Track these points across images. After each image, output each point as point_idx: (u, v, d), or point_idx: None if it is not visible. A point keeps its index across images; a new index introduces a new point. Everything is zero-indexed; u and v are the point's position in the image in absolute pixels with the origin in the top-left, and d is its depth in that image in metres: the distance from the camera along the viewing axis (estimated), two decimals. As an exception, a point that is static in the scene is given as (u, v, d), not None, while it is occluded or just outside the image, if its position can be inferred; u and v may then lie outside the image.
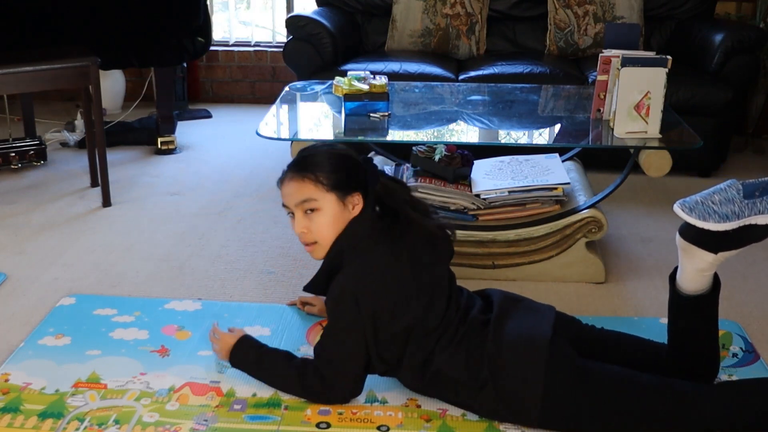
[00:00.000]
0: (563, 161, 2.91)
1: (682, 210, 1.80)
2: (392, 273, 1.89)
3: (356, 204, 1.94)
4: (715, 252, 1.81)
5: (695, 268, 1.85)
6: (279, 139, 2.62)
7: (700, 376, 1.92)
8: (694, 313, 1.90)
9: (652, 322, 2.32)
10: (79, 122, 4.11)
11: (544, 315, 1.97)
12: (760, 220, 1.76)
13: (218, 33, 4.96)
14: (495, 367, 1.83)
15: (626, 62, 2.46)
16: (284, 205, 1.97)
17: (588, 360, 1.86)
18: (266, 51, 4.93)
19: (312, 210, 1.91)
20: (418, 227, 1.95)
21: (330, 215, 1.91)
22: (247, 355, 2.02)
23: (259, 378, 2.00)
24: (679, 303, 1.91)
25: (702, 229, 1.79)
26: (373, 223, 1.94)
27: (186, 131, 4.34)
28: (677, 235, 1.86)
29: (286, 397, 1.96)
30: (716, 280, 1.90)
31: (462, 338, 1.88)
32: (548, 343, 1.83)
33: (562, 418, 1.81)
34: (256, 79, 4.97)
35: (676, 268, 1.93)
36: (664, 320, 2.35)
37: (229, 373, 2.07)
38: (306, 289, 2.09)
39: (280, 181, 1.98)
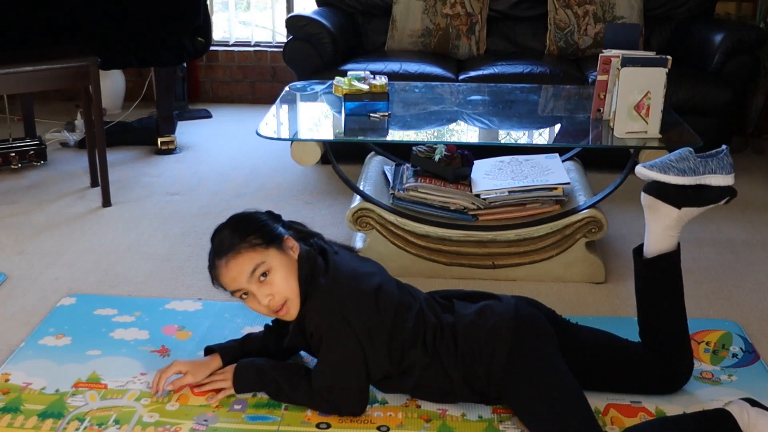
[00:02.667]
0: (563, 161, 2.91)
1: (644, 168, 1.94)
2: (359, 282, 1.89)
3: (293, 246, 1.92)
4: (679, 207, 1.92)
5: (662, 226, 1.94)
6: (279, 139, 2.62)
7: (674, 367, 1.97)
8: (659, 277, 1.98)
9: (652, 322, 2.32)
10: (79, 122, 4.11)
11: (504, 297, 2.01)
12: (712, 180, 1.91)
13: (218, 33, 4.96)
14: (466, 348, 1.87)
15: (626, 62, 2.46)
16: (234, 292, 1.88)
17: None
18: (266, 51, 4.93)
19: (265, 274, 1.84)
20: (342, 246, 2.04)
21: (283, 268, 1.86)
22: (252, 382, 1.98)
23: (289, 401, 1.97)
24: (644, 271, 2.00)
25: (664, 183, 1.92)
26: (316, 253, 1.95)
27: (186, 131, 4.34)
28: (642, 194, 1.96)
29: (286, 397, 1.97)
30: (679, 252, 1.99)
31: (434, 339, 1.89)
32: (514, 311, 1.91)
33: (523, 381, 1.83)
34: (256, 79, 4.97)
35: (639, 245, 2.02)
36: (664, 320, 2.36)
37: (230, 373, 2.07)
38: (287, 345, 2.00)
39: (217, 275, 1.88)
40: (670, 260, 1.97)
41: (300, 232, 2.02)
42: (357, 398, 1.89)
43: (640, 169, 1.95)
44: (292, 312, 1.89)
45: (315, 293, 1.87)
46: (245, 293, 1.87)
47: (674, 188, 1.92)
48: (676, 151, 1.96)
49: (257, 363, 1.99)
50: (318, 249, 1.97)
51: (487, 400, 1.94)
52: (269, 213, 1.99)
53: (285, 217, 2.04)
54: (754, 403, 1.80)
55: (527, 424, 1.84)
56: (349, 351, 1.85)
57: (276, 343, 2.06)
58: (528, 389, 1.82)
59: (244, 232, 1.87)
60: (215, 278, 1.91)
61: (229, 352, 2.04)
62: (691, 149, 1.96)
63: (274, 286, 1.85)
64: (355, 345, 1.84)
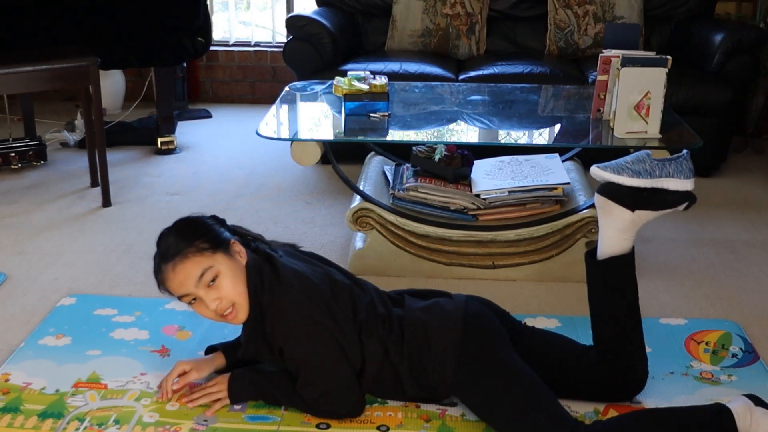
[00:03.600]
0: (563, 161, 2.91)
1: (598, 168, 1.90)
2: (310, 281, 1.88)
3: (239, 251, 1.91)
4: (632, 209, 1.87)
5: (615, 228, 1.90)
6: (279, 139, 2.62)
7: (627, 375, 1.93)
8: (610, 280, 1.92)
9: (653, 322, 2.32)
10: (79, 122, 4.11)
11: (455, 295, 2.01)
12: (671, 184, 1.86)
13: (218, 33, 4.96)
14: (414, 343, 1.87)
15: (626, 62, 2.46)
16: (182, 297, 1.85)
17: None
18: (266, 51, 4.93)
19: (213, 279, 1.83)
20: (284, 245, 2.06)
21: (231, 273, 1.85)
22: (247, 393, 1.95)
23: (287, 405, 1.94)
24: (595, 274, 1.94)
25: (617, 184, 1.88)
26: (262, 257, 1.93)
27: (186, 131, 4.34)
28: (595, 194, 1.93)
29: (286, 397, 1.97)
30: (633, 256, 1.94)
31: (383, 330, 1.89)
32: (464, 308, 1.92)
33: (474, 375, 1.83)
34: (256, 79, 4.97)
35: (593, 249, 1.96)
36: (665, 320, 2.37)
37: (229, 373, 2.07)
38: (242, 355, 1.96)
39: (163, 280, 1.86)
40: (622, 263, 1.91)
41: (243, 236, 2.01)
42: (351, 397, 1.88)
43: (594, 170, 1.91)
44: (240, 316, 1.87)
45: (272, 309, 1.85)
46: (193, 299, 1.85)
47: (628, 190, 1.87)
48: (634, 154, 1.92)
49: (250, 375, 1.94)
50: (263, 255, 1.94)
51: (436, 397, 1.93)
52: (214, 217, 1.97)
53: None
54: (757, 401, 1.79)
55: (491, 423, 1.83)
56: (328, 349, 1.84)
57: None
58: (484, 387, 1.82)
59: (191, 236, 1.85)
60: (161, 283, 1.86)
61: (231, 350, 2.03)
62: (649, 152, 1.91)
63: (222, 290, 1.83)
64: (330, 340, 1.84)
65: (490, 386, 1.81)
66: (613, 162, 1.91)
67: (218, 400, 1.94)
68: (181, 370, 1.98)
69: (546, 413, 1.76)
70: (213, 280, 1.83)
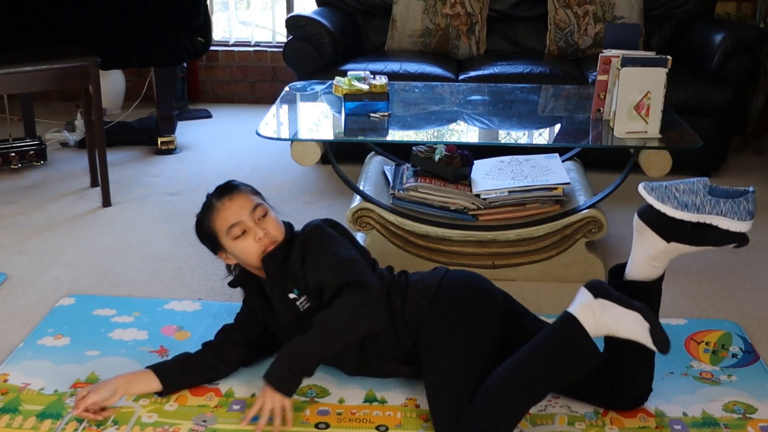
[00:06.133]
0: (563, 161, 2.91)
1: (644, 189, 1.81)
2: (332, 228, 2.02)
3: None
4: (668, 240, 1.79)
5: (647, 254, 1.84)
6: (279, 139, 2.62)
7: (625, 391, 1.90)
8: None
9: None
10: (79, 122, 4.11)
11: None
12: (721, 222, 1.75)
13: (218, 33, 4.96)
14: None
15: (626, 62, 2.45)
16: (232, 227, 1.94)
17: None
18: (266, 51, 4.93)
19: (263, 216, 1.97)
20: None
21: (274, 215, 2.01)
22: (287, 372, 1.83)
23: (326, 348, 1.84)
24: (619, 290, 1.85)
25: (659, 212, 1.79)
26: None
27: (186, 131, 4.34)
28: (635, 215, 1.87)
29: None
30: (660, 282, 1.87)
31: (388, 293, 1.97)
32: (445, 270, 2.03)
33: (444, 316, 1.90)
34: (256, 79, 4.97)
35: (618, 265, 1.93)
36: (665, 320, 2.35)
37: (229, 374, 2.07)
38: (270, 292, 2.02)
39: (216, 213, 1.96)
40: (647, 290, 1.85)
41: None
42: (379, 294, 1.87)
43: (640, 189, 1.82)
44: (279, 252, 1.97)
45: (297, 243, 1.96)
46: (241, 232, 1.93)
47: (670, 220, 1.78)
48: (689, 180, 1.79)
49: (276, 361, 1.84)
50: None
51: (413, 359, 1.94)
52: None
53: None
54: (598, 290, 1.78)
55: (424, 370, 1.86)
56: (352, 253, 1.94)
57: (219, 357, 2.01)
58: (439, 337, 1.86)
59: (241, 187, 2.02)
60: (211, 220, 1.97)
61: (167, 372, 1.97)
62: (707, 182, 1.77)
63: (269, 226, 1.96)
64: (349, 245, 1.97)
65: (444, 338, 1.86)
66: (662, 185, 1.80)
67: (282, 410, 1.82)
68: (80, 395, 1.89)
69: (452, 392, 1.75)
70: (262, 217, 1.97)
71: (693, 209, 1.75)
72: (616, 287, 1.85)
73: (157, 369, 1.97)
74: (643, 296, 1.84)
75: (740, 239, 1.77)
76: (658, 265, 1.85)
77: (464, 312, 1.91)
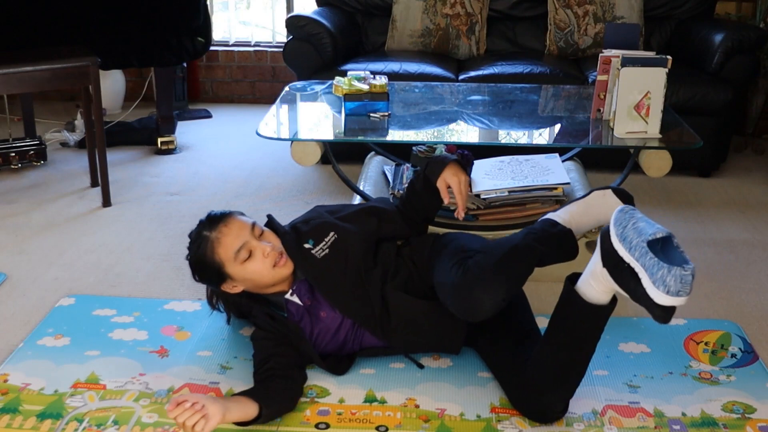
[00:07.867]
0: (563, 161, 2.91)
1: (618, 209, 1.75)
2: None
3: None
4: (603, 263, 1.72)
5: (590, 268, 1.78)
6: (279, 139, 2.62)
7: (544, 399, 1.86)
8: (572, 321, 1.82)
9: (652, 322, 2.32)
10: (79, 122, 4.11)
11: None
12: (644, 279, 1.61)
13: (218, 33, 4.96)
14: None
15: (626, 62, 2.46)
16: (239, 251, 1.96)
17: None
18: (266, 51, 4.93)
19: (261, 233, 2.04)
20: None
21: (270, 230, 2.09)
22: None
23: None
24: (565, 297, 1.84)
25: (608, 232, 1.73)
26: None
27: (186, 131, 4.34)
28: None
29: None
30: (611, 306, 1.79)
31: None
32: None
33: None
34: (256, 79, 4.97)
35: (575, 274, 1.87)
36: (664, 320, 2.36)
37: (229, 374, 2.07)
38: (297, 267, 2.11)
39: (215, 243, 1.98)
40: (589, 312, 1.78)
41: None
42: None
43: (618, 208, 1.75)
44: (289, 264, 2.03)
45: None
46: (248, 255, 1.97)
47: (612, 247, 1.70)
48: (656, 225, 1.66)
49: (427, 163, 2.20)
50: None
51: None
52: None
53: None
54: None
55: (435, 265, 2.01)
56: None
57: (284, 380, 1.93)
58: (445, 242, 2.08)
59: (225, 211, 2.07)
60: (213, 252, 1.98)
61: (257, 395, 1.85)
62: (667, 234, 1.63)
63: (270, 238, 2.04)
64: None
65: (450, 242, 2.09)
66: (634, 212, 1.71)
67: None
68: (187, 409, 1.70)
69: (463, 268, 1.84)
70: (261, 234, 2.03)
71: (626, 246, 1.65)
72: (565, 295, 1.84)
73: (246, 393, 1.85)
74: (585, 319, 1.80)
75: (657, 311, 1.61)
76: (596, 288, 1.76)
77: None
